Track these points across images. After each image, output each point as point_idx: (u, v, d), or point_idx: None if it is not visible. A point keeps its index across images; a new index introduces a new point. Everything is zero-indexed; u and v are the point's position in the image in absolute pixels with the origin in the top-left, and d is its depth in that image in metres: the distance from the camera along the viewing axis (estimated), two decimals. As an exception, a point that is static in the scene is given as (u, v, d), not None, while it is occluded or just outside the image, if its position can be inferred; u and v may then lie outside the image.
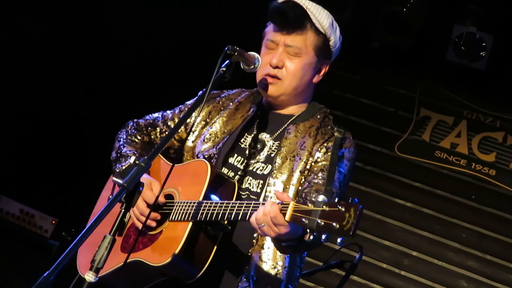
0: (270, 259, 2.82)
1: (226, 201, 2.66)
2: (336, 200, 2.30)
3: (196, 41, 5.80)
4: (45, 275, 2.01)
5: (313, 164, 2.86)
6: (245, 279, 2.80)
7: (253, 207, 2.55)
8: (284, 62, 2.91)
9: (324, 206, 2.29)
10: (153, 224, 2.80)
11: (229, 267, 2.82)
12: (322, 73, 3.02)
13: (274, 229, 2.45)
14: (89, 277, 2.18)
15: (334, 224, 2.24)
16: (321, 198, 2.33)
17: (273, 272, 2.82)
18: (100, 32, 5.76)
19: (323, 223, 2.27)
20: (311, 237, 2.35)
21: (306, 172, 2.85)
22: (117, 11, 5.69)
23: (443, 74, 5.89)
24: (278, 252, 2.81)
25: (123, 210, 2.31)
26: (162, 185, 2.66)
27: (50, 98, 5.99)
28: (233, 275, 2.82)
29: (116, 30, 5.76)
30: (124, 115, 3.35)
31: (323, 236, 2.31)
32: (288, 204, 2.40)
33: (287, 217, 2.38)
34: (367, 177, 5.88)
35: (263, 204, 2.51)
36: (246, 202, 2.61)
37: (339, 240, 2.28)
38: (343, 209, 2.25)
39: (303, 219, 2.32)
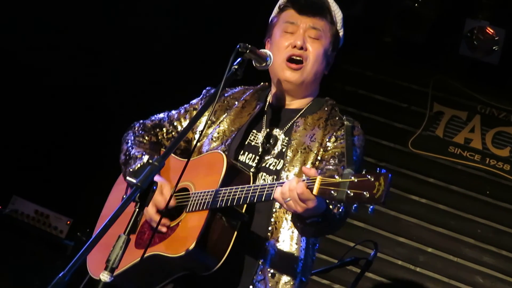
0: (286, 252, 2.81)
1: (247, 185, 2.63)
2: (364, 172, 2.29)
3: (201, 40, 5.80)
4: (60, 275, 2.01)
5: (323, 153, 2.88)
6: (260, 272, 2.80)
7: (277, 186, 2.52)
8: (306, 45, 2.93)
9: (352, 177, 2.28)
10: (164, 229, 2.78)
11: (244, 260, 2.82)
12: (331, 65, 3.06)
13: (301, 204, 2.43)
14: (104, 277, 2.15)
15: (364, 193, 2.24)
16: (347, 170, 2.32)
17: (288, 265, 2.82)
18: (101, 31, 5.76)
19: (352, 194, 2.26)
20: (340, 209, 2.31)
21: (317, 163, 2.86)
22: (126, 12, 5.70)
23: (456, 69, 5.86)
24: (293, 246, 2.81)
25: (137, 210, 2.27)
26: (176, 184, 2.64)
27: (63, 98, 6.01)
28: (248, 268, 2.82)
29: (120, 27, 5.76)
30: (139, 115, 3.34)
31: (353, 207, 2.29)
32: (315, 178, 2.38)
33: (315, 191, 2.37)
34: (381, 174, 5.85)
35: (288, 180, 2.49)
36: (269, 183, 2.58)
37: (370, 209, 2.27)
38: (372, 178, 2.24)
39: (332, 191, 2.31)
